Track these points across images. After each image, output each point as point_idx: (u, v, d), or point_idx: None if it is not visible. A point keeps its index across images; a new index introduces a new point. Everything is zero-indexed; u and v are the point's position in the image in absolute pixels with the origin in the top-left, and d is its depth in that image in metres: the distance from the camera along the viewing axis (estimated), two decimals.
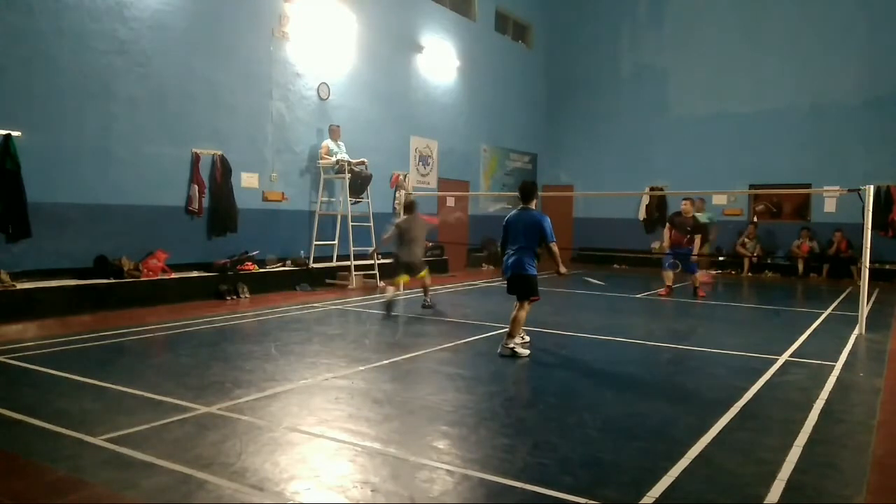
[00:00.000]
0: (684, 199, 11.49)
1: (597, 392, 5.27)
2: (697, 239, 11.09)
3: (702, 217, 13.64)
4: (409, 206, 9.43)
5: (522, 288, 6.44)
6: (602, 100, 18.86)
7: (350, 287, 11.56)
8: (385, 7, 13.81)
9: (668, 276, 11.36)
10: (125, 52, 9.14)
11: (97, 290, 8.53)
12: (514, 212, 6.63)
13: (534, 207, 6.59)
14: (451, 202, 16.13)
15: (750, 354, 6.53)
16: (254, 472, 3.46)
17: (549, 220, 6.42)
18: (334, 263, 12.06)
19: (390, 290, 8.99)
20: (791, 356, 6.49)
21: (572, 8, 19.44)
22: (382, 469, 3.55)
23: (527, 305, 6.44)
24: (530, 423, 4.44)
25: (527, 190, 6.70)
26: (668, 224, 11.56)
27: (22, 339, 6.71)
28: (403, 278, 9.18)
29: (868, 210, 7.72)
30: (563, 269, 6.49)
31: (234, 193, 10.55)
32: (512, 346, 6.24)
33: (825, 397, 5.02)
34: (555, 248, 6.37)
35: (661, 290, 11.32)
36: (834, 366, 6.10)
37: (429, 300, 9.49)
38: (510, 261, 6.45)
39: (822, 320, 8.89)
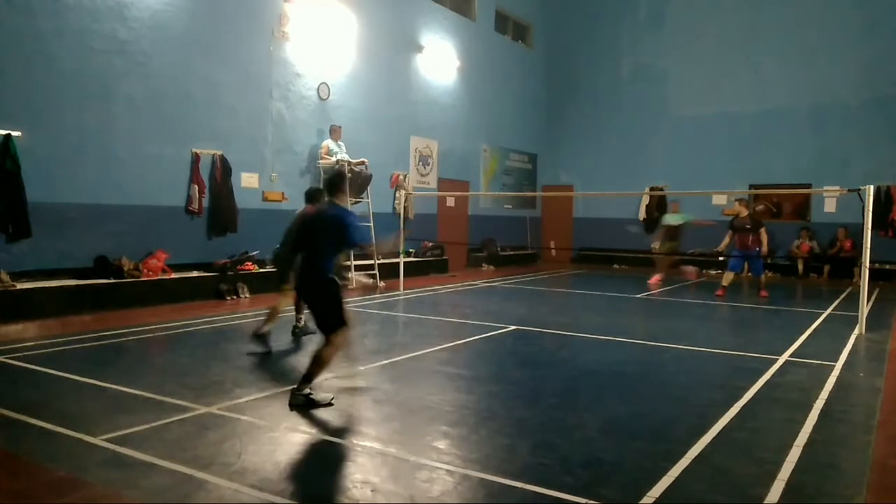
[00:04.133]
0: (736, 199, 11.72)
1: (597, 392, 5.27)
2: (762, 234, 11.22)
3: (676, 218, 13.72)
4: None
5: (322, 309, 4.84)
6: (602, 100, 18.87)
7: (350, 287, 11.55)
8: (385, 7, 13.81)
9: (729, 276, 11.41)
10: (125, 52, 9.14)
11: (97, 290, 8.52)
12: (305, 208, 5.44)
13: (340, 203, 5.13)
14: (451, 202, 16.14)
15: (750, 354, 6.53)
16: (254, 472, 3.46)
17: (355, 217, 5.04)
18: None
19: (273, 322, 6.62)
20: (791, 356, 6.49)
21: (572, 8, 19.44)
22: (382, 469, 3.55)
23: (334, 340, 4.77)
24: (530, 423, 4.44)
25: (331, 181, 5.22)
26: (729, 230, 11.64)
27: (22, 339, 6.71)
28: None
29: (868, 210, 7.71)
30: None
31: (234, 193, 10.55)
32: (307, 391, 4.65)
33: (825, 397, 5.02)
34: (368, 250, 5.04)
35: (719, 291, 11.26)
36: (834, 366, 6.09)
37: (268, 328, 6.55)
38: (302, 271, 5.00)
39: (822, 320, 8.89)
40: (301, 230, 5.18)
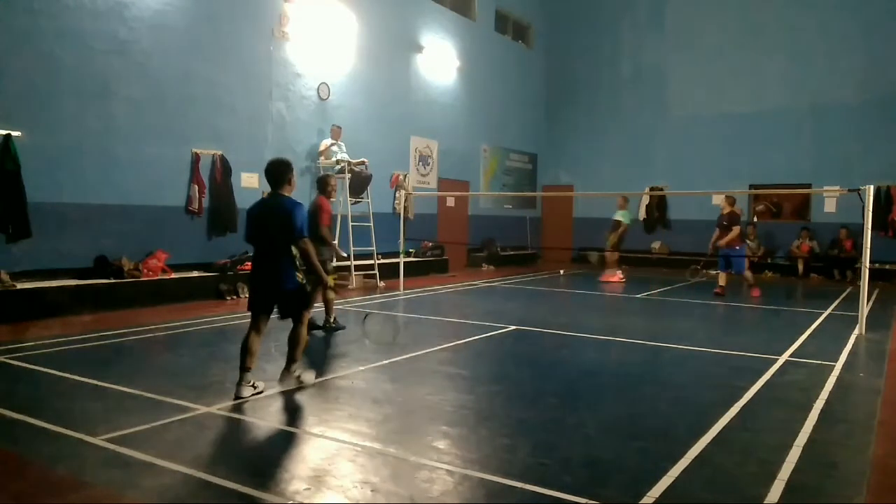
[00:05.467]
0: (726, 195, 11.71)
1: (597, 392, 5.27)
2: (734, 230, 11.22)
3: (622, 215, 13.77)
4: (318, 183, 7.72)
5: (291, 301, 5.03)
6: (602, 100, 18.87)
7: (350, 287, 11.56)
8: (385, 7, 13.82)
9: (722, 276, 11.47)
10: (125, 52, 9.15)
11: (97, 290, 8.52)
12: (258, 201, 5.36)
13: (287, 194, 5.07)
14: (451, 202, 16.14)
15: (750, 354, 6.52)
16: (254, 472, 3.46)
17: (304, 209, 5.00)
18: (334, 263, 12.05)
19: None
20: (791, 356, 6.49)
21: (572, 8, 19.44)
22: (382, 469, 3.55)
23: (303, 319, 5.14)
24: (530, 423, 4.44)
25: (273, 171, 5.14)
26: (716, 228, 11.70)
27: (22, 339, 6.71)
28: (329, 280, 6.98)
29: (868, 210, 7.71)
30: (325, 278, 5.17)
31: (234, 193, 10.55)
32: (297, 373, 5.11)
33: (825, 397, 5.02)
34: (308, 245, 4.89)
35: (717, 289, 11.38)
36: (834, 366, 6.09)
37: (332, 319, 7.57)
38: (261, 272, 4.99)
39: (822, 320, 8.88)
40: (251, 224, 5.03)
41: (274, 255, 4.87)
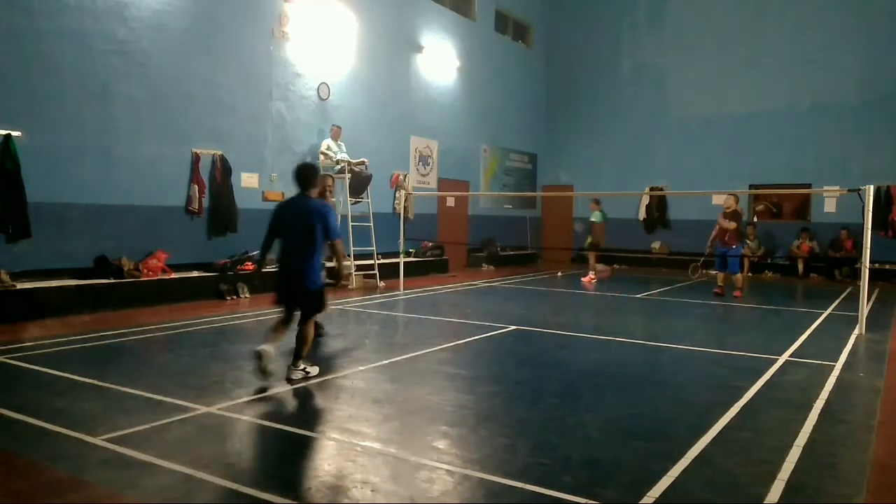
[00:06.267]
0: (731, 193, 11.72)
1: (597, 392, 5.27)
2: (733, 224, 11.16)
3: (596, 216, 13.83)
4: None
5: (309, 302, 5.32)
6: (602, 100, 18.87)
7: (350, 287, 11.56)
8: (385, 7, 13.82)
9: (720, 276, 11.50)
10: (125, 52, 9.14)
11: (97, 290, 8.52)
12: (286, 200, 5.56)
13: (314, 196, 5.34)
14: (451, 202, 16.14)
15: (750, 354, 6.52)
16: (253, 471, 3.46)
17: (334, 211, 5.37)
18: (334, 263, 12.06)
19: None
20: (791, 356, 6.49)
21: (572, 8, 19.45)
22: (382, 469, 3.55)
23: (313, 319, 5.47)
24: (530, 423, 4.44)
25: (304, 174, 5.32)
26: (717, 225, 11.61)
27: (22, 339, 6.71)
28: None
29: (868, 210, 7.72)
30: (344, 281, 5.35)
31: (234, 193, 10.55)
32: (302, 367, 5.35)
33: (825, 397, 5.02)
34: (340, 246, 5.33)
35: (716, 289, 11.43)
36: (834, 366, 6.09)
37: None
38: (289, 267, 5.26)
39: (822, 320, 8.88)
40: (278, 219, 5.31)
41: (302, 254, 5.19)
